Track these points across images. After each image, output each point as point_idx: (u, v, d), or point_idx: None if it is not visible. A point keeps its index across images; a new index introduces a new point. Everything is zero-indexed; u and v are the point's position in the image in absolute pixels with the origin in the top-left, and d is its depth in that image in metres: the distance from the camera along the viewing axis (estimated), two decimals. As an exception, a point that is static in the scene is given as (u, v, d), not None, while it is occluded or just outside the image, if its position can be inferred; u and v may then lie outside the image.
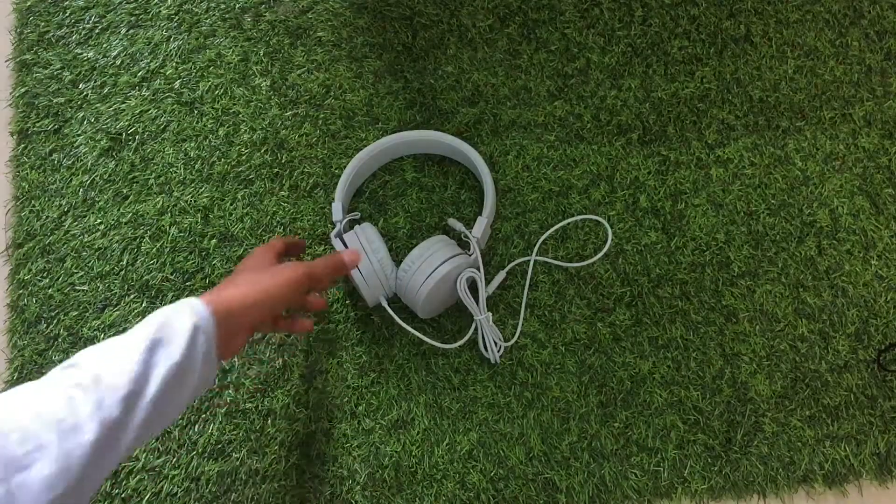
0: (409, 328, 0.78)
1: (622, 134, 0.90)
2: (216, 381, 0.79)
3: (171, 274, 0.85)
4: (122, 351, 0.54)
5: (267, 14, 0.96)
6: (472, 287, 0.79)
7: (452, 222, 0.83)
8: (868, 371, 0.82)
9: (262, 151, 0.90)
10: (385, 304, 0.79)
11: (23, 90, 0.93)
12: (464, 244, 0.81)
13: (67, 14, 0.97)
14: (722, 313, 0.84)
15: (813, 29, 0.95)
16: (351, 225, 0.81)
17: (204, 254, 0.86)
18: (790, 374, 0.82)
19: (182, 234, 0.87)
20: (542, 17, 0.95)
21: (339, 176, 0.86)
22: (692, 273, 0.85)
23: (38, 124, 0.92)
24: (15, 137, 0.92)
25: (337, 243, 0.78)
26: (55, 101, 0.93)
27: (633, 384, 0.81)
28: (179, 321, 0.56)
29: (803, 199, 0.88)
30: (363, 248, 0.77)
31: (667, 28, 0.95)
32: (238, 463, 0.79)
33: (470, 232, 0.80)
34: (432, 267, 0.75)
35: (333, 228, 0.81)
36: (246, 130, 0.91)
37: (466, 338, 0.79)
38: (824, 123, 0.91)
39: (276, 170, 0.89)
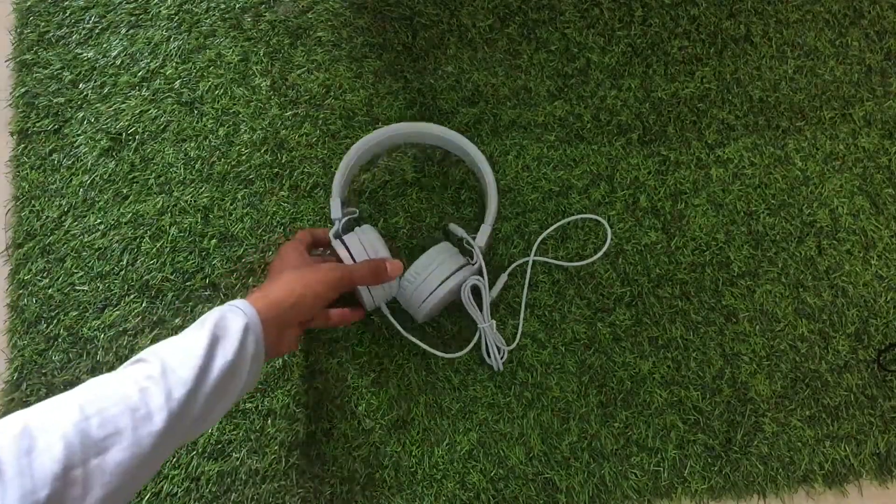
0: (411, 338, 0.79)
1: (622, 134, 0.90)
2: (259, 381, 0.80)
3: (171, 274, 0.85)
4: (186, 347, 0.56)
5: (267, 14, 0.96)
6: (474, 292, 0.79)
7: (454, 227, 0.82)
8: (868, 371, 0.82)
9: (262, 151, 0.90)
10: (386, 311, 0.78)
11: (23, 90, 0.93)
12: (465, 248, 0.81)
13: (67, 14, 0.96)
14: (722, 313, 0.84)
15: (813, 29, 0.95)
16: (350, 226, 0.81)
17: (204, 254, 0.86)
18: (790, 374, 0.82)
19: (182, 234, 0.87)
20: (542, 17, 0.95)
21: (339, 176, 0.86)
22: (692, 273, 0.85)
23: (38, 124, 0.92)
24: (15, 137, 0.92)
25: (337, 245, 0.76)
26: (55, 101, 0.93)
27: (633, 384, 0.81)
28: (233, 321, 0.60)
29: (803, 199, 0.88)
30: (365, 251, 0.75)
31: (667, 28, 0.95)
32: (238, 463, 0.79)
33: (473, 240, 0.80)
34: (438, 280, 0.75)
35: (332, 226, 0.81)
36: (246, 130, 0.91)
37: (471, 345, 0.79)
38: (824, 123, 0.91)
39: (276, 170, 0.89)
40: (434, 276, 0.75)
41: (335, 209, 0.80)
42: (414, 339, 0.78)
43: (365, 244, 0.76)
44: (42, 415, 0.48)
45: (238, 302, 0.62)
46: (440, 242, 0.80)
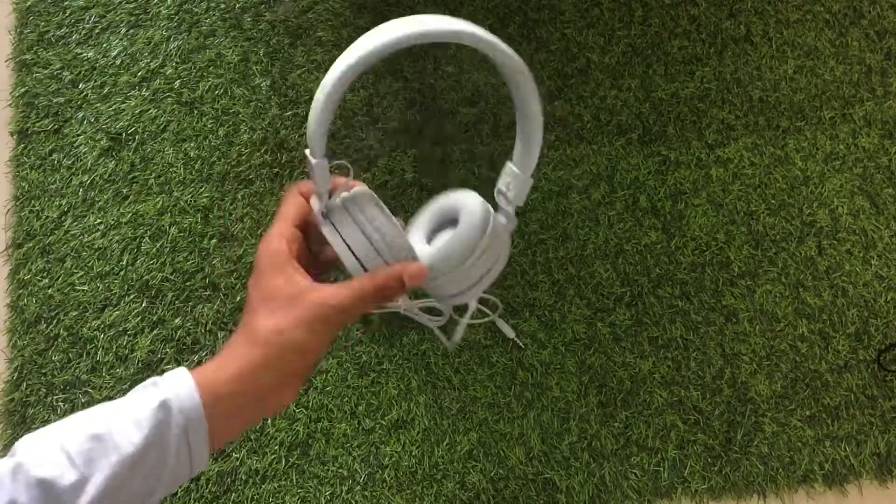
0: (431, 325, 0.61)
1: (622, 134, 0.90)
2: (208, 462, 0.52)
3: (171, 274, 0.85)
4: (59, 440, 0.41)
5: (267, 14, 0.96)
6: None
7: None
8: (868, 371, 0.82)
9: (262, 151, 0.90)
10: (405, 303, 0.57)
11: (23, 90, 0.93)
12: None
13: (67, 14, 0.96)
14: (722, 313, 0.84)
15: (813, 29, 0.95)
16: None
17: (204, 254, 0.86)
18: (790, 374, 0.82)
19: (182, 234, 0.87)
20: (542, 17, 0.95)
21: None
22: (692, 273, 0.85)
23: (38, 124, 0.92)
24: (15, 137, 0.92)
25: (330, 233, 0.49)
26: (55, 101, 0.93)
27: (633, 384, 0.81)
28: (141, 405, 0.42)
29: (803, 199, 0.88)
30: (362, 229, 0.49)
31: (667, 28, 0.95)
32: (238, 463, 0.79)
33: (506, 196, 0.54)
34: (480, 272, 0.52)
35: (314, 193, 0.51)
36: (246, 130, 0.91)
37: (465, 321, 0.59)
38: (824, 123, 0.91)
39: (276, 170, 0.89)
40: (472, 273, 0.51)
41: (317, 147, 0.47)
42: (430, 324, 0.61)
43: (359, 219, 0.50)
44: None
45: (179, 384, 0.43)
46: (471, 201, 0.53)
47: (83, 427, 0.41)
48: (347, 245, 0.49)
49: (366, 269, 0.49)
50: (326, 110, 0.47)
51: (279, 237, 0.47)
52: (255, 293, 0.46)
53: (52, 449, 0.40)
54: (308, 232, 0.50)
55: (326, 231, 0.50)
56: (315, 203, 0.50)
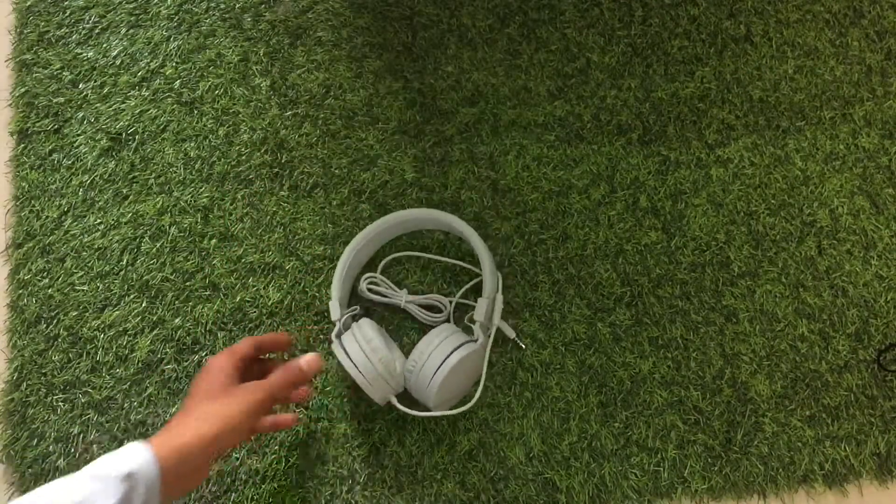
0: (428, 414, 0.75)
1: (622, 134, 0.90)
2: None
3: (171, 274, 0.85)
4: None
5: (267, 14, 0.96)
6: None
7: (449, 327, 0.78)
8: (868, 371, 0.82)
9: (262, 151, 0.90)
10: (395, 401, 0.74)
11: (23, 90, 0.93)
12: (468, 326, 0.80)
13: (67, 14, 0.97)
14: (722, 313, 0.84)
15: (813, 29, 0.95)
16: (349, 324, 0.78)
17: (204, 254, 0.86)
18: (790, 374, 0.82)
19: (182, 234, 0.87)
20: (542, 17, 0.95)
21: (339, 176, 0.86)
22: (692, 273, 0.85)
23: (38, 124, 0.92)
24: (15, 137, 0.92)
25: (336, 347, 0.74)
26: (55, 101, 0.93)
27: (633, 384, 0.81)
28: (113, 469, 0.53)
29: (803, 199, 0.88)
30: (362, 349, 0.72)
31: (667, 28, 0.95)
32: (238, 463, 0.79)
33: (472, 315, 0.77)
34: (438, 361, 0.72)
35: (334, 328, 0.77)
36: (246, 130, 0.91)
37: (476, 397, 0.78)
38: (824, 123, 0.91)
39: (276, 170, 0.89)
40: (434, 357, 0.72)
41: (334, 310, 0.77)
42: (434, 413, 0.75)
43: (361, 342, 0.73)
44: None
45: (135, 445, 0.55)
46: (440, 324, 0.77)
47: (63, 497, 0.50)
48: (348, 356, 0.72)
49: (361, 373, 0.72)
50: (343, 268, 0.79)
51: (229, 356, 0.66)
52: (200, 386, 0.63)
53: None
54: (247, 361, 0.68)
55: (336, 349, 0.73)
56: (336, 326, 0.76)
